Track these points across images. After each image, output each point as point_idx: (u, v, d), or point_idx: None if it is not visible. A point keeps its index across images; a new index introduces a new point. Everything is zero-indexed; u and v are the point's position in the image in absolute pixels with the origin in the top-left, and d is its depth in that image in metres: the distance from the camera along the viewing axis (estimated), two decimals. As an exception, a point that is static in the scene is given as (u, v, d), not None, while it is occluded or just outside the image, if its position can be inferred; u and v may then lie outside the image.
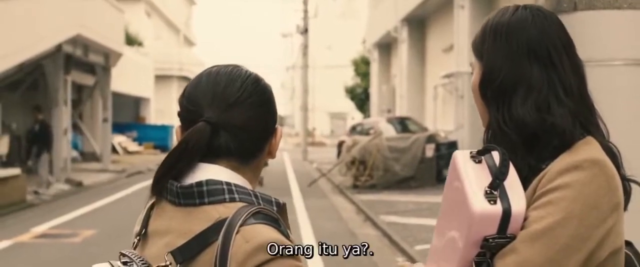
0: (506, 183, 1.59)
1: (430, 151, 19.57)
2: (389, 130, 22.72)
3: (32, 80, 22.28)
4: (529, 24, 1.72)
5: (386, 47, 39.39)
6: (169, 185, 1.49)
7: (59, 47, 20.16)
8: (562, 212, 1.55)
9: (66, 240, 11.66)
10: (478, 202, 1.58)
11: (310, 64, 69.11)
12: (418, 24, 30.31)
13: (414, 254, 9.91)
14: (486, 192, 1.58)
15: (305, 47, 39.71)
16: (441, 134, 21.85)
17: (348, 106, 70.07)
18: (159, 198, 1.54)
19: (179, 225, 1.47)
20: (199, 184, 1.46)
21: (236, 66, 1.59)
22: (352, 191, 18.54)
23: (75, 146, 30.24)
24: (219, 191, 1.47)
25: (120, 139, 36.84)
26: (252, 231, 1.41)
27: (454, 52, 23.53)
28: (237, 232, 1.40)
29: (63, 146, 21.25)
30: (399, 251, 10.60)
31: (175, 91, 58.37)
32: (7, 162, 15.78)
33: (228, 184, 1.48)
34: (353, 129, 27.02)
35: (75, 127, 27.92)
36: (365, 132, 24.06)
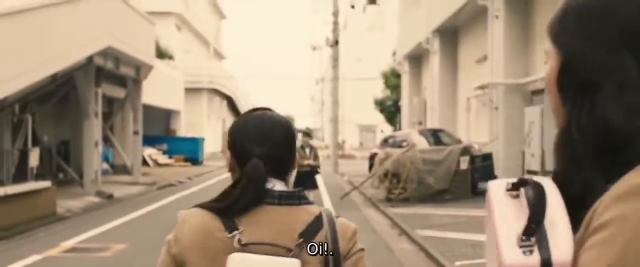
0: (547, 222, 1.20)
1: (464, 163, 19.22)
2: (422, 143, 22.36)
3: (63, 92, 22.24)
4: (626, 2, 1.28)
5: (417, 59, 38.99)
6: (269, 193, 2.05)
7: (90, 59, 20.07)
8: (616, 255, 1.11)
9: (97, 254, 11.47)
10: (510, 253, 1.18)
11: (339, 77, 68.83)
12: (450, 35, 29.92)
13: (454, 270, 9.60)
14: (521, 239, 1.21)
15: (335, 60, 39.42)
16: (475, 146, 21.46)
17: (377, 119, 69.58)
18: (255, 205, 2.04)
19: (285, 217, 2.03)
20: (297, 191, 2.11)
21: (272, 112, 2.22)
22: (385, 204, 18.23)
23: (106, 159, 30.20)
24: (301, 195, 2.12)
25: (150, 152, 36.81)
26: (345, 221, 2.13)
27: (488, 63, 23.15)
28: (336, 221, 2.09)
29: (93, 159, 21.14)
30: (438, 266, 10.27)
31: (205, 104, 58.35)
32: (38, 175, 15.63)
33: (299, 191, 2.13)
34: (385, 142, 26.66)
35: (106, 140, 27.85)
36: (398, 145, 23.70)
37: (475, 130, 26.74)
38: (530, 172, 18.48)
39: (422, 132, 25.02)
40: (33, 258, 11.03)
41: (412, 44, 36.02)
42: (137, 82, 26.04)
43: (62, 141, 27.69)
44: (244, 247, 1.96)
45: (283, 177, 2.14)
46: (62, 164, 22.99)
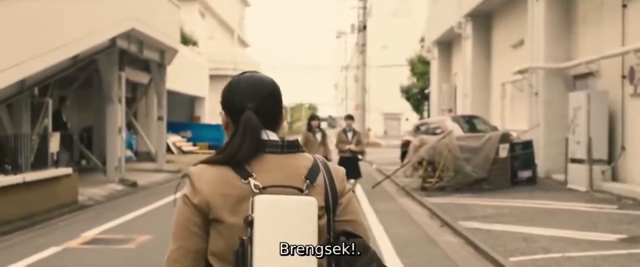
0: None
1: (504, 151, 18.30)
2: (456, 130, 21.42)
3: (85, 77, 21.51)
4: None
5: (447, 44, 38.00)
6: (269, 142, 2.27)
7: (113, 42, 19.33)
8: None
9: (119, 246, 10.68)
10: None
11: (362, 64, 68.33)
12: (483, 19, 28.92)
13: (510, 267, 8.75)
14: None
15: (362, 45, 38.60)
16: (513, 134, 20.51)
17: (402, 107, 69.04)
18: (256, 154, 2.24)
19: (289, 163, 2.26)
20: (296, 140, 2.34)
21: (259, 73, 2.43)
22: (420, 193, 17.39)
23: (129, 145, 29.53)
24: (299, 145, 2.34)
25: (174, 139, 36.10)
26: (334, 165, 2.40)
27: (526, 47, 22.20)
28: (329, 165, 2.35)
29: (117, 145, 20.41)
30: (491, 261, 9.39)
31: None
32: (58, 161, 14.89)
33: (296, 140, 2.35)
34: (417, 129, 25.76)
35: (130, 126, 27.16)
36: (431, 132, 22.80)
37: (511, 117, 25.80)
38: (574, 160, 17.57)
39: (455, 119, 24.10)
40: (51, 250, 10.26)
41: (442, 29, 35.03)
42: (161, 67, 25.27)
43: (85, 127, 27.06)
44: (263, 191, 2.15)
45: (274, 129, 2.33)
46: (85, 150, 22.24)
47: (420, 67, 48.85)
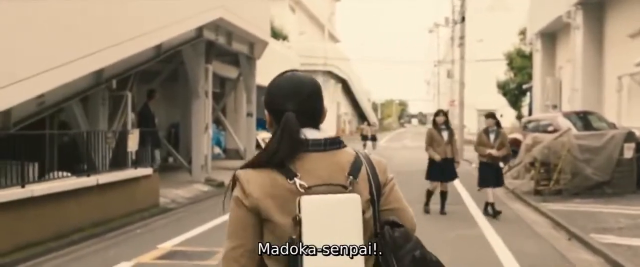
0: None
1: (629, 151, 16.28)
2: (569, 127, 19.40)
3: (170, 70, 20.30)
4: None
5: (551, 36, 35.68)
6: (311, 141, 2.29)
7: (199, 32, 18.08)
8: None
9: (200, 262, 9.14)
10: None
11: (458, 58, 66.19)
12: (596, 7, 26.64)
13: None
14: None
15: (461, 38, 36.65)
16: (636, 132, 18.40)
17: (497, 102, 67.05)
18: (298, 153, 2.26)
19: (332, 160, 2.29)
20: (337, 137, 2.37)
21: (300, 72, 2.45)
22: (534, 198, 15.59)
23: (217, 143, 28.45)
24: (341, 141, 2.37)
25: (264, 135, 34.81)
26: (375, 157, 2.43)
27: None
28: (370, 158, 2.41)
29: (203, 142, 19.17)
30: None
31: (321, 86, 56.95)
32: (137, 161, 13.62)
33: (338, 137, 2.39)
34: (525, 127, 23.77)
35: (218, 122, 25.99)
36: (542, 129, 20.83)
37: (628, 114, 23.54)
38: None
39: (567, 115, 21.99)
40: (120, 266, 8.92)
41: (547, 19, 32.75)
42: (250, 60, 23.97)
43: (172, 123, 26.10)
44: (308, 190, 2.20)
45: (316, 126, 2.37)
46: (170, 148, 21.03)
47: (518, 61, 47.02)
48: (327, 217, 2.16)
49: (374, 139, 45.62)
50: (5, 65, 9.83)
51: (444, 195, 13.96)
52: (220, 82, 26.82)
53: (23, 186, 9.70)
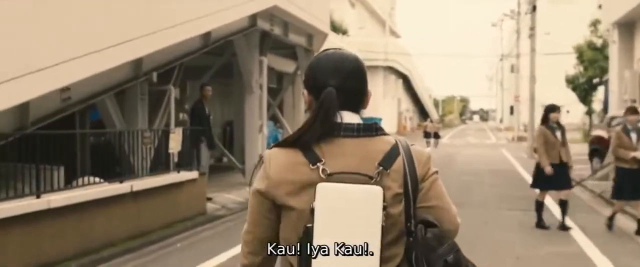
0: None
1: None
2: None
3: (221, 64, 18.71)
4: None
5: (628, 26, 33.31)
6: (344, 125, 2.16)
7: (253, 21, 16.51)
8: None
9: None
10: None
11: (523, 52, 64.04)
12: (684, -8, 24.45)
13: None
14: None
15: (531, 29, 34.55)
16: None
17: (563, 98, 65.42)
18: (327, 136, 2.14)
19: (365, 147, 2.15)
20: (374, 123, 2.20)
21: (343, 50, 2.29)
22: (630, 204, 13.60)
23: (275, 140, 26.93)
24: (378, 127, 2.21)
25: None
26: (419, 148, 2.25)
27: None
28: (411, 148, 2.22)
29: (257, 140, 17.60)
30: None
31: (380, 82, 55.70)
32: (181, 164, 12.05)
33: (375, 123, 2.21)
34: (609, 124, 21.74)
35: (276, 119, 24.46)
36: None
37: None
38: None
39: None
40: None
41: (626, 8, 30.50)
42: (309, 53, 22.34)
43: (227, 121, 24.74)
44: (329, 177, 2.07)
45: (356, 110, 2.23)
46: (222, 147, 19.43)
47: (589, 54, 44.79)
48: (343, 209, 2.05)
49: (436, 136, 44.00)
50: (20, 52, 8.31)
51: (564, 205, 11.68)
52: (278, 77, 25.28)
53: (38, 196, 8.17)
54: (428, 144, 42.95)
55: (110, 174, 10.15)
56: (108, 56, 9.89)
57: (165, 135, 11.61)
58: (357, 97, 2.22)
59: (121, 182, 9.87)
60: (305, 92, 2.27)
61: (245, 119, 17.79)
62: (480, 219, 12.52)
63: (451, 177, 19.89)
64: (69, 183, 9.65)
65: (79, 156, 10.35)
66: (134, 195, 10.03)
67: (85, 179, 9.81)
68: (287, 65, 24.20)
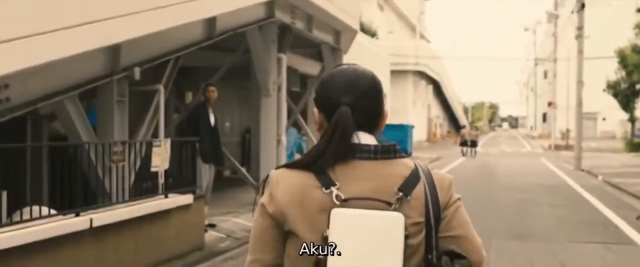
0: None
1: None
2: None
3: (235, 64, 16.04)
4: None
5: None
6: (360, 146, 1.96)
7: (270, 11, 13.90)
8: None
9: None
10: None
11: (560, 56, 61.47)
12: None
13: None
14: None
15: (578, 29, 31.85)
16: None
17: (599, 104, 63.58)
18: (341, 158, 1.95)
19: (383, 171, 1.95)
20: (392, 144, 2.01)
21: (357, 66, 2.12)
22: None
23: (299, 149, 24.48)
24: (396, 149, 2.00)
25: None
26: (440, 172, 2.07)
27: None
28: (432, 172, 2.02)
29: (273, 151, 14.95)
30: None
31: (410, 88, 53.83)
32: (175, 183, 9.36)
33: (393, 144, 2.02)
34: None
35: (299, 127, 21.93)
36: None
37: None
38: None
39: None
40: None
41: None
42: (336, 52, 19.72)
43: (246, 128, 22.19)
44: (344, 203, 1.90)
45: (372, 131, 2.06)
46: (233, 160, 16.61)
47: (634, 58, 43.16)
48: (360, 238, 1.86)
49: (474, 145, 41.61)
50: None
51: None
52: (301, 80, 22.67)
53: None
54: (464, 153, 40.96)
55: (70, 203, 7.50)
56: (68, 40, 7.26)
57: (149, 148, 8.92)
58: (372, 118, 2.06)
59: (77, 215, 7.18)
60: (316, 110, 2.12)
61: (261, 125, 15.19)
62: (552, 259, 9.80)
63: (501, 195, 17.18)
64: (13, 213, 7.06)
65: (28, 178, 7.70)
66: (94, 232, 7.32)
67: (35, 209, 7.19)
68: (311, 67, 21.57)
